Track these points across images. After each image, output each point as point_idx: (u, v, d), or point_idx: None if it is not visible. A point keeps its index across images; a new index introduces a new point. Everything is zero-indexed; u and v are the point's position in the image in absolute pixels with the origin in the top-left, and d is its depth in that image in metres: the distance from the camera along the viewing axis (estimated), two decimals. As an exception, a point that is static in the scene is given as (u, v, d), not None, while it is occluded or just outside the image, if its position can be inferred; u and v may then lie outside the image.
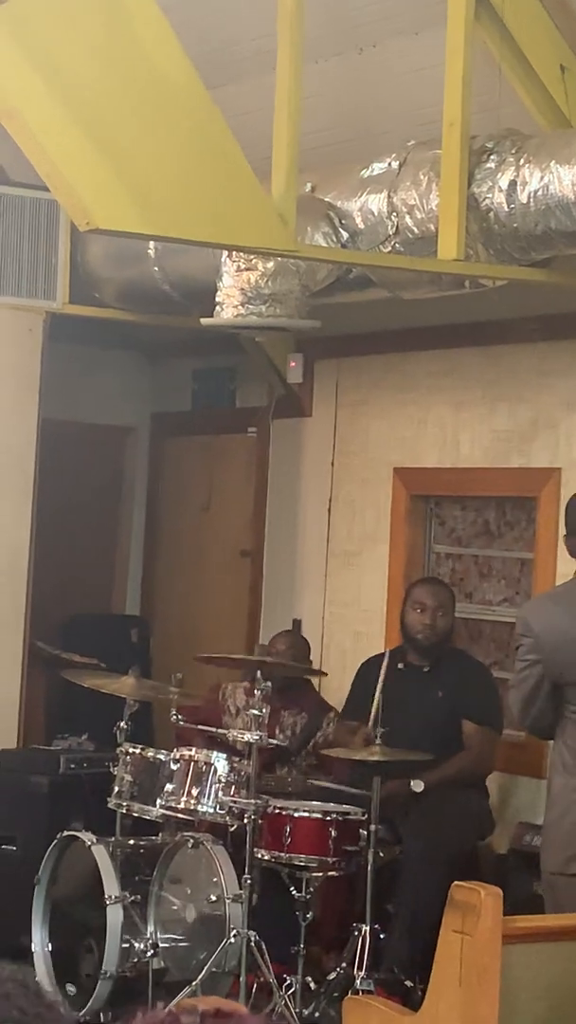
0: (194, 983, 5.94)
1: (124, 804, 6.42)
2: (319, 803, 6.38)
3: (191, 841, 6.30)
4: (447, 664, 6.99)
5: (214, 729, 6.72)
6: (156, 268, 7.23)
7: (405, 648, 7.06)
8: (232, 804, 6.15)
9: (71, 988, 6.43)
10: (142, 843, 6.53)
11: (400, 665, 7.00)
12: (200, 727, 6.72)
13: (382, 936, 6.16)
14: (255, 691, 6.17)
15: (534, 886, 6.47)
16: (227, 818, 6.21)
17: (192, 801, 6.23)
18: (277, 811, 6.15)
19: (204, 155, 5.10)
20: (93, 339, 8.84)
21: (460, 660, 7.10)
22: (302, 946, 6.09)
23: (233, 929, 6.04)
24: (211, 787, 6.21)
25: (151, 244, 7.10)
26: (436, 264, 5.76)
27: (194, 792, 6.23)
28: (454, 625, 7.10)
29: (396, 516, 7.90)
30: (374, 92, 6.59)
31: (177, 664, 7.38)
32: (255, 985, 6.02)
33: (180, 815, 6.33)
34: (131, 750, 6.47)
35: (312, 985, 6.10)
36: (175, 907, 6.39)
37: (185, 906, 6.37)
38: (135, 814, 6.44)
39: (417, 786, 6.52)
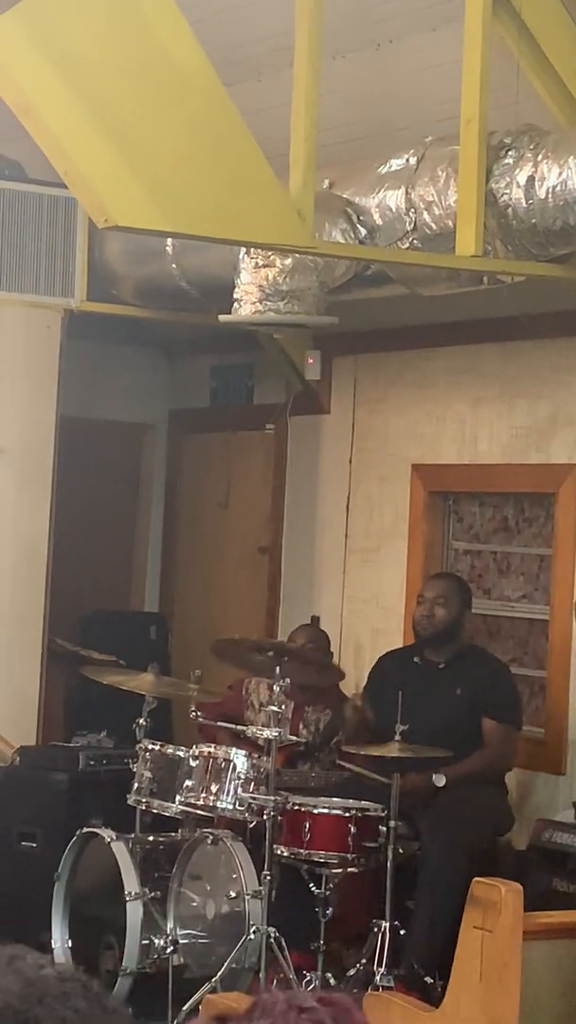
0: (214, 979, 5.94)
1: (143, 801, 6.42)
2: (339, 799, 6.38)
3: (210, 837, 6.30)
4: (465, 661, 6.97)
5: (234, 725, 6.72)
6: (174, 265, 7.24)
7: (420, 645, 7.06)
8: (251, 800, 6.15)
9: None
10: (161, 839, 6.53)
11: (416, 660, 6.99)
12: (221, 723, 6.72)
13: (402, 932, 6.15)
14: (275, 687, 6.17)
15: (553, 882, 6.48)
16: (246, 814, 6.21)
17: (211, 797, 6.24)
18: (296, 807, 6.15)
19: (222, 152, 5.10)
20: (111, 336, 8.85)
21: (478, 657, 7.08)
22: (322, 942, 6.09)
23: (253, 925, 6.04)
24: (230, 783, 6.21)
25: (169, 241, 7.10)
26: (454, 260, 5.76)
27: (213, 788, 6.24)
28: (461, 620, 7.00)
29: (414, 512, 7.90)
30: (392, 88, 6.59)
31: (196, 660, 7.39)
32: (275, 981, 6.02)
33: (199, 811, 6.34)
34: (150, 747, 6.47)
35: (332, 981, 6.10)
36: (195, 903, 6.39)
37: (205, 902, 6.37)
38: (154, 811, 6.45)
39: (439, 780, 6.52)
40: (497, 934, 4.08)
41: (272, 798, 6.06)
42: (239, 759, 6.22)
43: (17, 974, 1.64)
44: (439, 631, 6.93)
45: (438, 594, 7.00)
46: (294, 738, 6.50)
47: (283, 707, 6.16)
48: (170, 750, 6.46)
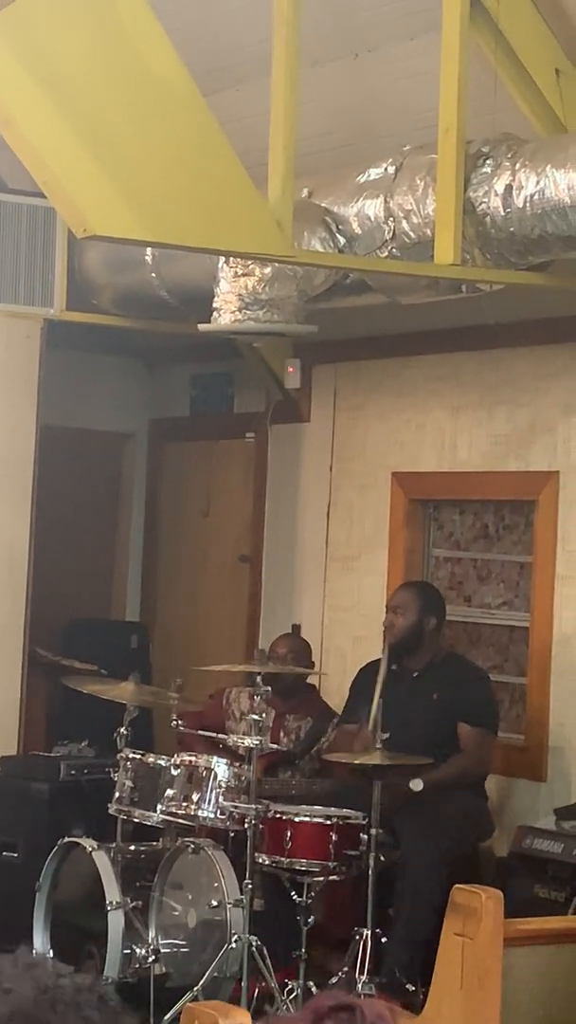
0: (196, 988, 5.94)
1: (125, 810, 6.42)
2: (320, 807, 6.38)
3: (192, 846, 6.30)
4: (441, 668, 6.99)
5: (215, 734, 6.73)
6: (153, 274, 7.24)
7: (397, 653, 7.07)
8: (233, 809, 6.15)
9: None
10: (143, 849, 6.53)
11: (393, 668, 7.01)
12: (202, 732, 6.72)
13: (383, 940, 6.16)
14: (256, 695, 6.18)
15: (535, 889, 6.49)
16: (228, 823, 6.21)
17: (192, 806, 6.23)
18: (278, 816, 6.15)
19: (200, 161, 5.10)
20: (91, 345, 8.85)
21: (455, 663, 7.10)
22: (303, 950, 6.09)
23: (234, 934, 6.04)
24: (211, 792, 6.21)
25: (148, 250, 7.10)
26: (433, 269, 5.77)
27: (194, 797, 6.24)
28: (423, 627, 6.97)
29: (395, 520, 7.91)
30: (370, 97, 6.60)
31: (177, 670, 7.38)
32: (257, 990, 6.02)
33: (181, 820, 6.34)
34: (131, 756, 6.47)
35: (314, 990, 6.09)
36: (176, 912, 6.39)
37: (186, 911, 6.37)
38: (136, 820, 6.44)
39: (416, 785, 6.52)
40: (478, 941, 4.08)
41: (253, 806, 6.06)
42: (220, 768, 6.22)
43: (33, 981, 1.65)
44: (399, 639, 6.95)
45: (398, 604, 7.04)
46: (275, 746, 6.51)
47: (264, 715, 6.17)
48: (151, 759, 6.46)
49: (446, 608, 7.19)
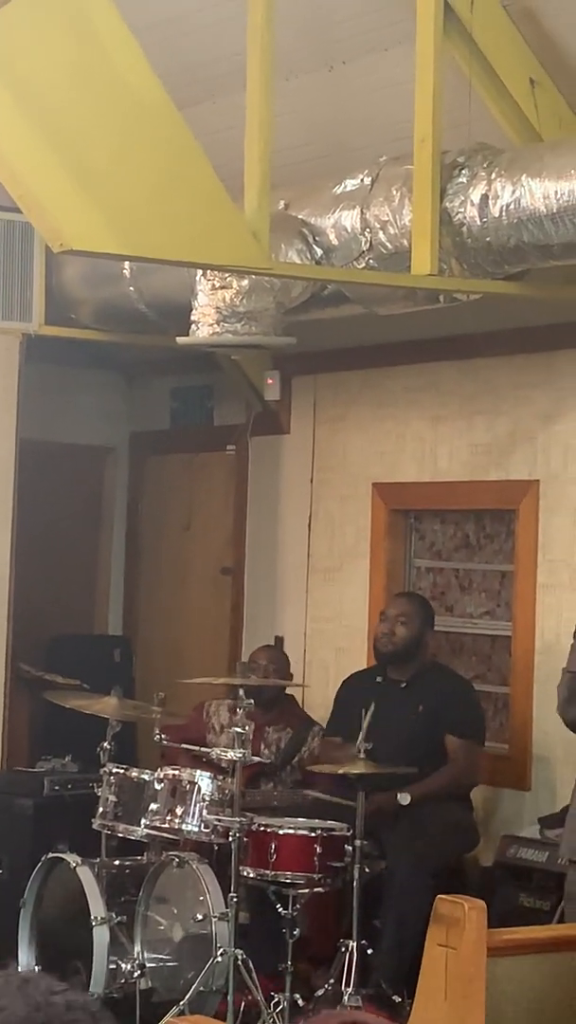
0: (182, 1003, 5.93)
1: (109, 825, 6.41)
2: (304, 819, 6.37)
3: (176, 860, 6.29)
4: (427, 678, 6.99)
5: (198, 748, 6.72)
6: (131, 288, 7.24)
7: (383, 663, 7.07)
8: (217, 822, 6.14)
9: (59, 1010, 6.40)
10: (127, 863, 6.51)
11: (379, 679, 7.01)
12: (184, 746, 6.71)
13: (369, 951, 6.15)
14: (238, 708, 6.17)
15: (519, 898, 6.49)
16: (212, 836, 6.20)
17: (177, 820, 6.22)
18: (262, 828, 6.14)
19: (176, 174, 5.10)
20: (70, 360, 8.84)
21: (441, 674, 7.10)
22: (289, 963, 6.08)
23: (220, 948, 6.03)
24: (195, 806, 6.20)
25: (126, 264, 7.10)
26: (410, 279, 5.77)
27: (178, 811, 6.22)
28: (423, 638, 7.03)
29: (376, 531, 7.91)
30: (345, 108, 6.61)
31: (160, 683, 7.37)
32: (243, 1004, 6.01)
33: (165, 834, 6.32)
34: (115, 770, 6.46)
35: (300, 1002, 6.09)
36: (161, 927, 6.38)
37: (171, 926, 6.36)
38: (120, 834, 6.43)
39: (404, 799, 6.53)
40: (461, 951, 4.08)
41: (237, 819, 6.05)
42: (204, 781, 6.20)
43: (26, 998, 1.64)
44: (400, 649, 6.96)
45: (400, 612, 7.03)
46: (257, 758, 6.50)
47: (247, 728, 6.16)
48: (135, 773, 6.44)
49: (434, 619, 7.24)
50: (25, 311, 7.64)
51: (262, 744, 7.07)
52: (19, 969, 6.41)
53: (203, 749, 6.69)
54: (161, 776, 6.29)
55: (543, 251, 5.55)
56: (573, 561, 6.94)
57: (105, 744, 6.53)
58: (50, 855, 6.56)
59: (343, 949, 6.08)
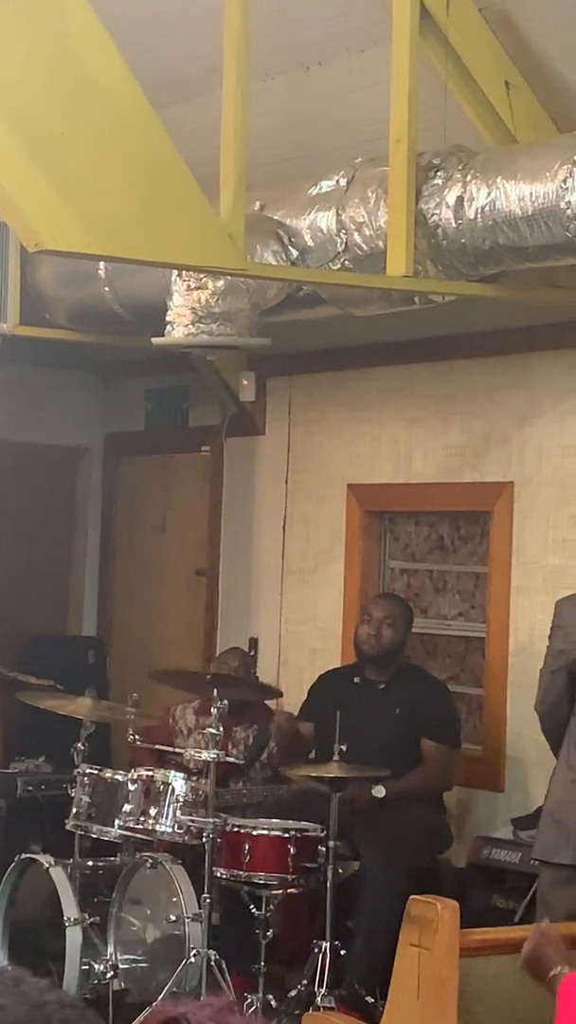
0: (155, 1003, 5.92)
1: (82, 825, 6.40)
2: (278, 820, 6.37)
3: (150, 861, 6.29)
4: (404, 680, 7.00)
5: (170, 748, 6.71)
6: (107, 288, 7.23)
7: (361, 664, 7.08)
8: (190, 823, 6.13)
9: (31, 1011, 6.39)
10: (101, 864, 6.51)
11: (357, 680, 7.01)
12: (156, 747, 6.70)
13: (342, 952, 6.15)
14: (211, 709, 6.17)
15: (492, 899, 6.49)
16: (186, 837, 6.19)
17: (150, 821, 6.22)
18: (235, 829, 6.14)
19: (152, 175, 5.10)
20: (45, 360, 8.83)
21: (417, 677, 7.11)
22: (262, 964, 6.08)
23: (193, 948, 6.03)
24: (169, 807, 6.19)
25: (101, 264, 7.09)
26: (385, 281, 5.78)
27: (152, 812, 6.22)
28: (406, 641, 7.08)
29: (351, 532, 7.92)
30: (321, 109, 6.61)
31: (134, 684, 7.37)
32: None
33: (138, 835, 6.32)
34: (88, 771, 6.45)
35: (273, 1003, 6.09)
36: (135, 928, 6.37)
37: (145, 926, 6.35)
38: (93, 835, 6.42)
39: (379, 791, 6.53)
40: (434, 951, 4.08)
41: (211, 820, 6.05)
42: (177, 782, 6.20)
43: (23, 997, 1.63)
44: (385, 651, 6.97)
45: (387, 614, 7.03)
46: (231, 759, 6.50)
47: (219, 728, 6.16)
48: (108, 774, 6.44)
49: (410, 621, 7.26)
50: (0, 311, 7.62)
51: (230, 744, 7.07)
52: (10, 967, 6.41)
53: (176, 751, 6.69)
54: (135, 777, 6.28)
55: (518, 253, 5.55)
56: (547, 563, 6.96)
57: (79, 745, 6.52)
58: (23, 856, 6.55)
59: (316, 950, 6.08)
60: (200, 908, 6.03)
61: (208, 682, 6.46)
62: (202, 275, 5.91)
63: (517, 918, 6.15)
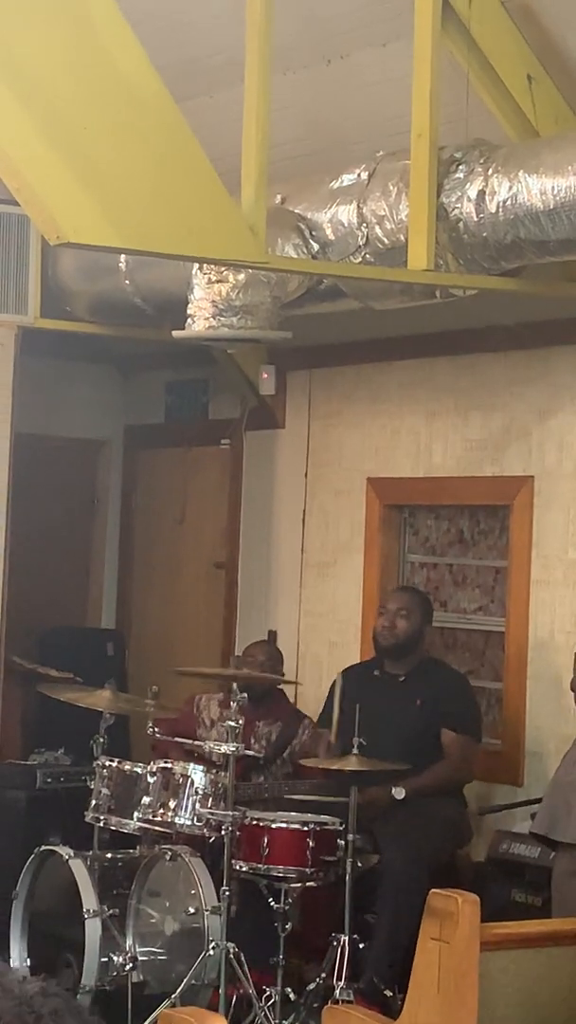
0: (173, 996, 5.93)
1: (101, 818, 6.41)
2: (297, 813, 6.37)
3: (169, 854, 6.29)
4: (424, 673, 7.00)
5: (190, 741, 6.72)
6: (127, 281, 7.24)
7: (380, 658, 7.08)
8: (210, 816, 6.14)
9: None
10: (120, 856, 6.52)
11: (376, 673, 7.01)
12: (176, 739, 6.71)
13: (361, 946, 6.15)
14: (231, 703, 6.17)
15: (512, 893, 6.49)
16: (205, 830, 6.20)
17: (169, 814, 6.22)
18: (255, 822, 6.14)
19: (174, 168, 5.10)
20: (65, 353, 8.84)
21: (437, 669, 7.11)
22: (281, 957, 6.09)
23: (212, 941, 6.03)
24: (188, 799, 6.20)
25: (122, 257, 7.10)
26: (406, 274, 5.77)
27: (171, 804, 6.22)
28: (423, 633, 7.05)
29: (370, 526, 7.91)
30: (343, 103, 6.61)
31: (153, 677, 7.38)
32: (235, 997, 6.01)
33: (158, 828, 6.32)
34: (108, 763, 6.46)
35: (292, 996, 6.10)
36: (153, 920, 6.38)
37: (164, 919, 6.36)
38: (112, 827, 6.43)
39: (399, 793, 6.54)
40: (454, 945, 4.08)
41: (230, 813, 6.05)
42: (197, 775, 6.21)
43: (6, 991, 1.63)
44: (400, 642, 6.96)
45: (401, 606, 7.03)
46: (251, 752, 6.50)
47: (239, 722, 6.16)
48: (128, 767, 6.45)
49: (431, 614, 7.25)
50: (21, 304, 7.63)
51: (252, 738, 7.07)
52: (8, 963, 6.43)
53: (196, 743, 6.70)
54: (154, 769, 6.29)
55: (540, 247, 5.55)
56: (567, 557, 6.95)
57: (98, 737, 6.53)
58: (42, 848, 6.56)
59: (335, 943, 6.08)
60: (219, 901, 6.04)
61: (229, 676, 6.45)
62: (223, 268, 5.92)
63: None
